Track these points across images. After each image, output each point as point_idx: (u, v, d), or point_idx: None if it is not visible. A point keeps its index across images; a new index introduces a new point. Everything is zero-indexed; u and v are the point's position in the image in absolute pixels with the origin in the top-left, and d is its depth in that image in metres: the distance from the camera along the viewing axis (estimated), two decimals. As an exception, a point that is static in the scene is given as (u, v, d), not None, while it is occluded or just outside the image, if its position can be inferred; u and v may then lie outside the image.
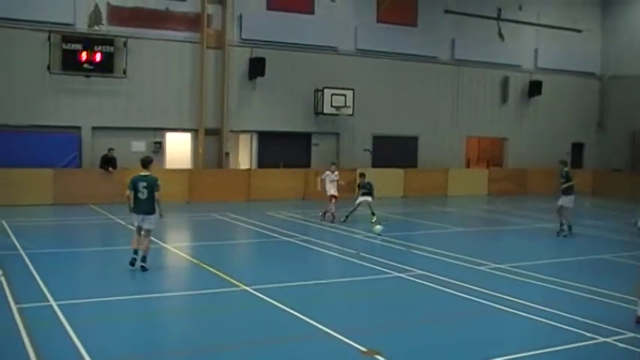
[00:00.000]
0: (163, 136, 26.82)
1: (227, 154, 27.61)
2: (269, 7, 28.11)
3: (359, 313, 10.63)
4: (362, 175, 21.98)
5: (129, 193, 12.82)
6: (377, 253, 15.50)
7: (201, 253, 15.31)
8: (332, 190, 21.13)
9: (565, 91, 35.52)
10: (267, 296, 11.05)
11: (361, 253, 15.33)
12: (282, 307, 10.44)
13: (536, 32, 34.78)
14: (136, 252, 12.83)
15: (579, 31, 35.94)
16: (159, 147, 26.44)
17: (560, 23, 35.32)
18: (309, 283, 12.58)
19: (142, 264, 12.71)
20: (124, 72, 25.42)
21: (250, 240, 18.50)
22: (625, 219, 22.94)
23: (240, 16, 27.56)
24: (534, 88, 34.34)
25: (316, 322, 9.64)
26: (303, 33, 28.63)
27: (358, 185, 21.62)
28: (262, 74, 27.49)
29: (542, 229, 21.43)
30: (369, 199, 20.89)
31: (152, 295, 11.32)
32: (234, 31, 27.55)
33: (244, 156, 29.22)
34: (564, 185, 19.29)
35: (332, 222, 20.65)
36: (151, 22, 26.13)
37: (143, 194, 12.69)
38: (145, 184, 12.68)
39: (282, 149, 28.55)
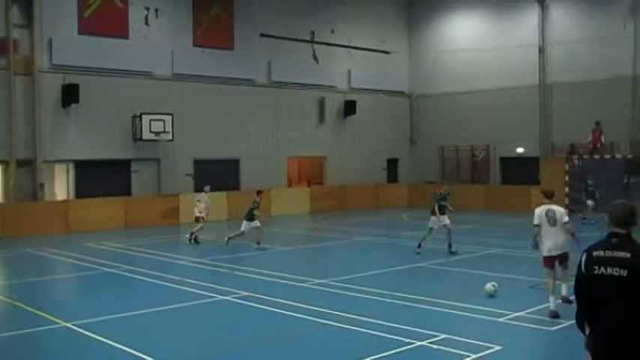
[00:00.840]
0: (-31, 170, 25.23)
1: (42, 185, 26.36)
2: (80, 32, 27.25)
3: (185, 340, 10.51)
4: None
5: None
6: (202, 278, 15.43)
7: (15, 291, 14.50)
8: (203, 212, 22.10)
9: (378, 109, 37.17)
10: (89, 331, 10.66)
11: (185, 279, 15.18)
12: (106, 340, 10.11)
13: (348, 54, 36.17)
14: None
15: (388, 52, 37.80)
16: (-35, 181, 24.83)
17: (370, 45, 36.96)
18: (134, 313, 12.23)
19: None
20: None
21: (70, 274, 17.78)
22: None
23: (50, 41, 26.53)
24: (349, 107, 35.65)
25: (142, 353, 9.42)
26: (118, 58, 27.98)
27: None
28: (77, 101, 26.57)
29: (363, 242, 22.26)
30: None
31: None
32: (43, 56, 26.45)
33: (61, 186, 27.98)
34: (442, 203, 19.34)
35: (197, 243, 21.61)
36: (-50, 49, 24.57)
37: None
38: None
39: (101, 178, 27.66)
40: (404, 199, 36.24)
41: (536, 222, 11.87)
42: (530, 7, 33.73)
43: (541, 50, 33.35)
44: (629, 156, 29.21)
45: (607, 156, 29.63)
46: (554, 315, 11.06)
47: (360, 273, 15.74)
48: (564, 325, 10.62)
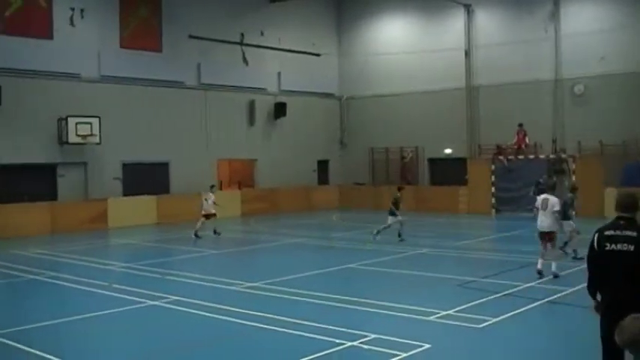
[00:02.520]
0: None
1: (-38, 190, 25.53)
2: (3, 32, 26.37)
3: (114, 347, 10.34)
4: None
5: None
6: (131, 283, 15.19)
7: None
8: (208, 209, 24.78)
9: (308, 111, 37.27)
10: (14, 341, 10.35)
11: (114, 285, 14.94)
12: (32, 350, 9.85)
13: (278, 56, 36.16)
14: None
15: (318, 54, 37.96)
16: None
17: (300, 47, 37.03)
18: (61, 321, 11.94)
19: None
20: None
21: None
22: (368, 229, 24.56)
23: (-31, 42, 25.73)
24: (279, 109, 35.62)
25: (67, 360, 9.25)
26: (43, 59, 27.22)
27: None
28: (-1, 103, 25.83)
29: (294, 244, 22.31)
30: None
31: None
32: (-38, 58, 25.63)
33: (-17, 192, 27.16)
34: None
35: (219, 234, 24.69)
36: None
37: None
38: None
39: (26, 182, 26.90)
40: (334, 201, 36.46)
41: (536, 205, 15.36)
42: (456, 11, 34.40)
43: (467, 54, 34.06)
44: (552, 156, 30.10)
45: (531, 156, 30.47)
46: (539, 273, 14.62)
47: (291, 275, 15.76)
48: (492, 322, 10.88)
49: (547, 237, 15.08)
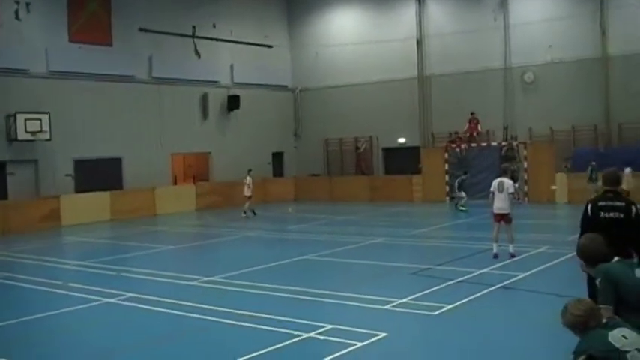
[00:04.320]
0: None
1: None
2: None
3: (70, 347, 10.25)
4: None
5: None
6: (85, 281, 15.02)
7: None
8: (248, 192, 28.48)
9: (262, 103, 37.19)
10: (-36, 342, 10.23)
11: (68, 283, 14.77)
12: (-17, 351, 9.74)
13: (231, 48, 35.97)
14: None
15: (270, 46, 37.87)
16: None
17: (252, 39, 36.90)
18: (15, 322, 11.73)
19: None
20: None
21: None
22: (323, 221, 24.67)
23: None
24: (233, 102, 35.47)
25: (22, 361, 9.14)
26: (-12, 54, 26.74)
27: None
28: (-57, 101, 25.26)
29: (250, 237, 22.31)
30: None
31: None
32: None
33: None
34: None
35: (254, 214, 28.27)
36: None
37: None
38: None
39: (-26, 181, 26.42)
40: (290, 193, 36.50)
41: (491, 189, 15.95)
42: (407, 1, 34.66)
43: (419, 43, 34.33)
44: (503, 143, 30.55)
45: (483, 144, 30.89)
46: (496, 256, 15.41)
47: (247, 268, 15.76)
48: (447, 309, 11.05)
49: (503, 219, 15.70)
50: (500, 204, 15.69)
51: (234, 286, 13.72)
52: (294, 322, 10.50)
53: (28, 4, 28.14)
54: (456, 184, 27.90)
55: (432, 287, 12.78)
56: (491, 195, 15.95)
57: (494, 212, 15.84)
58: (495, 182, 15.93)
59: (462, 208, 26.78)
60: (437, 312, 10.93)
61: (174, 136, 33.14)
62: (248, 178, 29.03)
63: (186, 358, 9.28)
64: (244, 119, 36.12)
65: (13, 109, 26.87)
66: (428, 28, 34.32)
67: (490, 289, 12.58)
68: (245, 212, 28.37)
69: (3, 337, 10.78)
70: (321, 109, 37.94)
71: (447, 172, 31.26)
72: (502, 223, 15.76)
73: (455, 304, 11.33)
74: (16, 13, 27.83)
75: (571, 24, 30.13)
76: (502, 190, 15.64)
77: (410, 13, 34.63)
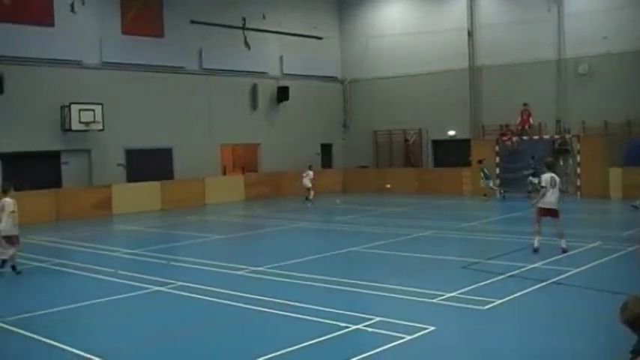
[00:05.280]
0: None
1: (-33, 179, 25.53)
2: (3, 19, 26.19)
3: (121, 333, 10.40)
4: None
5: None
6: (136, 270, 15.23)
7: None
8: (306, 184, 30.37)
9: (311, 95, 37.20)
10: (21, 328, 10.41)
11: (119, 271, 14.99)
12: (39, 337, 9.89)
13: (280, 40, 36.03)
14: None
15: (320, 38, 37.81)
16: None
17: (302, 31, 36.88)
18: (67, 308, 11.98)
19: None
20: None
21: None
22: (371, 213, 24.59)
23: (-29, 31, 25.66)
24: (282, 93, 35.57)
25: (76, 348, 9.25)
26: (44, 46, 27.14)
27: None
28: (1, 92, 25.69)
29: (298, 228, 22.34)
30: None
31: None
32: (-36, 46, 25.55)
33: (-14, 180, 27.16)
34: None
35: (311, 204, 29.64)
36: None
37: None
38: None
39: (30, 171, 26.89)
40: (338, 184, 36.46)
41: (543, 184, 15.66)
42: (458, -9, 34.27)
43: (470, 34, 33.89)
44: (556, 136, 30.00)
45: (535, 137, 30.37)
46: (536, 250, 15.31)
47: (295, 259, 15.79)
48: (496, 303, 10.89)
49: (551, 213, 15.58)
50: (552, 199, 15.54)
51: (281, 277, 13.75)
52: (342, 313, 10.47)
53: (82, -3, 28.60)
54: (531, 178, 27.29)
55: (482, 281, 12.62)
56: (543, 190, 15.70)
57: (542, 207, 15.61)
58: (547, 177, 15.69)
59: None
60: (486, 307, 10.79)
61: (223, 127, 33.38)
62: (309, 172, 30.68)
63: (233, 347, 9.33)
64: (293, 110, 36.18)
65: (67, 100, 27.36)
66: (479, 19, 33.83)
67: (541, 284, 12.35)
68: (310, 201, 30.08)
69: (53, 323, 10.98)
70: (370, 101, 37.79)
71: (497, 165, 30.84)
72: (549, 217, 15.60)
73: (505, 299, 11.16)
74: (72, 6, 28.27)
75: (627, 14, 29.36)
76: (555, 185, 15.56)
77: (461, 3, 34.19)
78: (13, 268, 15.26)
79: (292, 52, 36.45)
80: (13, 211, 15.15)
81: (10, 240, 15.23)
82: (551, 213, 15.59)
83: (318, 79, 37.74)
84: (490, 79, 33.41)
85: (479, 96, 33.95)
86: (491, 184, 29.90)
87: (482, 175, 29.86)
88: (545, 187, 15.60)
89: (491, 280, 12.81)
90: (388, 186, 32.71)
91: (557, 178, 15.80)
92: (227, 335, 9.97)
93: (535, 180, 26.31)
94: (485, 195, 29.73)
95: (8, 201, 15.15)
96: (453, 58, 34.11)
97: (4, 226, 15.08)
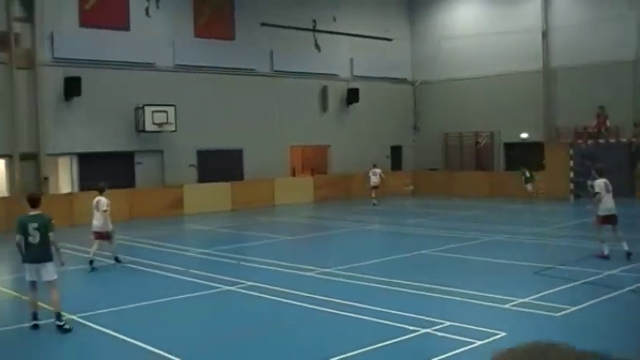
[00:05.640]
0: (-26, 164, 25.23)
1: (46, 178, 26.34)
2: (82, 24, 27.14)
3: (190, 331, 10.53)
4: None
5: (19, 237, 10.57)
6: (206, 269, 15.45)
7: (19, 286, 14.48)
8: (375, 181, 30.64)
9: (381, 97, 37.07)
10: (94, 323, 10.71)
11: (190, 270, 15.21)
12: (110, 332, 10.16)
13: (350, 42, 36.04)
14: (35, 315, 10.60)
15: (390, 39, 37.67)
16: (-31, 176, 24.85)
17: (372, 33, 36.82)
18: (138, 305, 12.26)
19: (59, 323, 10.41)
20: None
21: (74, 266, 17.73)
22: (441, 215, 24.30)
23: (52, 35, 26.45)
24: (352, 95, 35.56)
25: (146, 344, 9.47)
26: (120, 50, 27.89)
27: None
28: (79, 94, 26.51)
29: (367, 230, 22.27)
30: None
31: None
32: (45, 50, 26.36)
33: (65, 179, 28.02)
34: None
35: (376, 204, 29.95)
36: (-48, 44, 24.50)
37: (35, 238, 10.52)
38: (36, 225, 10.56)
39: (105, 170, 27.52)
40: (406, 186, 36.15)
41: (597, 190, 15.33)
42: (532, -9, 33.61)
43: (544, 34, 33.19)
44: (633, 139, 29.09)
45: (612, 140, 29.50)
46: (607, 258, 14.94)
47: (364, 261, 15.74)
48: (570, 310, 10.61)
49: (614, 220, 15.35)
50: (609, 204, 15.30)
51: (350, 279, 13.71)
52: (411, 317, 10.38)
53: (157, 1, 29.21)
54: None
55: (555, 287, 12.32)
56: (598, 196, 15.40)
57: (602, 214, 15.33)
58: (600, 182, 15.46)
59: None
60: (559, 313, 10.52)
61: (293, 129, 33.57)
62: (376, 170, 30.98)
63: (304, 348, 9.34)
64: (363, 112, 36.13)
65: (141, 101, 27.97)
66: (554, 19, 33.07)
67: (618, 292, 11.96)
68: (376, 200, 30.30)
69: (125, 319, 11.22)
70: (441, 102, 37.43)
71: (571, 169, 30.09)
72: (609, 225, 15.39)
73: (579, 307, 10.86)
74: (147, 10, 28.95)
75: None
76: (609, 190, 15.34)
77: (535, 3, 33.51)
78: (117, 259, 16.28)
79: (362, 53, 36.41)
80: (106, 210, 16.05)
81: (101, 236, 16.20)
82: (611, 220, 15.33)
83: (388, 81, 37.57)
84: (564, 81, 32.63)
85: (553, 98, 33.20)
86: (529, 187, 29.66)
87: (524, 177, 29.84)
88: (600, 193, 15.34)
89: (565, 286, 12.49)
90: (410, 187, 32.27)
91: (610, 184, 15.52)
92: (296, 336, 9.99)
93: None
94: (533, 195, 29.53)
95: (103, 200, 16.11)
96: (525, 60, 33.46)
97: (96, 223, 16.13)
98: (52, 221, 10.94)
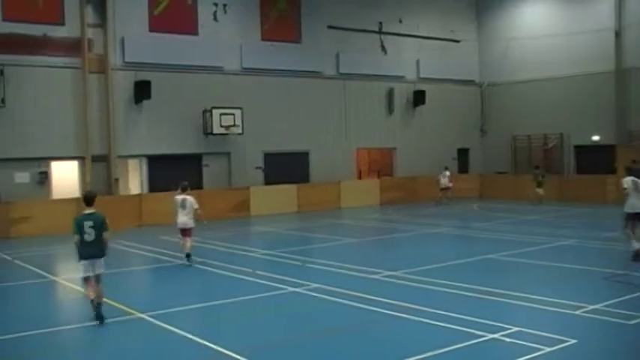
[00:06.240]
0: (48, 166, 25.98)
1: (116, 180, 27.01)
2: (152, 29, 27.78)
3: (256, 332, 10.61)
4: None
5: (77, 238, 11.02)
6: (273, 270, 15.56)
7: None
8: (445, 183, 31.95)
9: (448, 99, 36.73)
10: (163, 322, 10.91)
11: (257, 271, 15.35)
12: (178, 331, 10.33)
13: (417, 44, 35.84)
14: (98, 307, 11.16)
15: (457, 41, 37.31)
16: (44, 177, 25.61)
17: (439, 34, 36.54)
18: (206, 305, 12.46)
19: (100, 312, 11.09)
20: (2, 101, 24.47)
21: (144, 266, 18.17)
22: (509, 220, 23.91)
23: (123, 40, 27.12)
24: (418, 97, 35.34)
25: (213, 343, 9.58)
26: (188, 54, 28.43)
27: None
28: (148, 97, 27.11)
29: (433, 234, 22.09)
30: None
31: (44, 331, 10.92)
32: (116, 54, 27.04)
33: (134, 181, 28.66)
34: None
35: (439, 204, 31.15)
36: (29, 49, 25.24)
37: (90, 235, 11.05)
38: (91, 223, 11.07)
39: (173, 172, 27.98)
40: (475, 190, 35.73)
41: (625, 186, 15.41)
42: (604, -10, 32.79)
43: (617, 34, 32.33)
44: None
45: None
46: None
47: (430, 265, 15.62)
48: (643, 318, 10.31)
49: (637, 218, 15.51)
50: (637, 202, 15.39)
51: (417, 282, 13.62)
52: (478, 322, 10.24)
53: (225, 5, 29.64)
54: None
55: (628, 294, 11.98)
56: (625, 192, 15.56)
57: (628, 212, 15.57)
58: (628, 180, 15.54)
59: None
60: (633, 321, 10.23)
61: (359, 131, 33.58)
62: (446, 172, 32.25)
63: (369, 351, 9.30)
64: (430, 114, 35.87)
65: (209, 104, 28.40)
66: (628, 18, 32.19)
67: (694, 299, 11.58)
68: (445, 199, 31.70)
69: (193, 318, 11.42)
70: (508, 104, 36.85)
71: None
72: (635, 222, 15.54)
73: (653, 315, 10.54)
74: (214, 14, 29.40)
75: None
76: (637, 189, 15.38)
77: (606, 2, 32.68)
78: (188, 256, 16.65)
79: (429, 55, 36.16)
80: (197, 208, 16.97)
81: (188, 232, 16.90)
82: (638, 217, 15.43)
83: (454, 83, 37.21)
84: (638, 82, 31.72)
85: (626, 99, 32.32)
86: (541, 191, 30.13)
87: (537, 181, 30.63)
88: (627, 189, 15.42)
89: (638, 293, 12.13)
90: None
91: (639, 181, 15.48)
92: (362, 339, 9.96)
93: None
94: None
95: (190, 198, 16.96)
96: (596, 60, 32.67)
97: (183, 219, 16.83)
98: (107, 220, 11.35)
